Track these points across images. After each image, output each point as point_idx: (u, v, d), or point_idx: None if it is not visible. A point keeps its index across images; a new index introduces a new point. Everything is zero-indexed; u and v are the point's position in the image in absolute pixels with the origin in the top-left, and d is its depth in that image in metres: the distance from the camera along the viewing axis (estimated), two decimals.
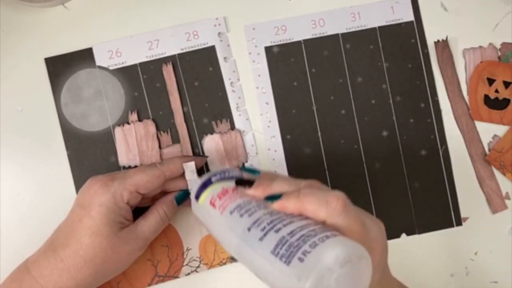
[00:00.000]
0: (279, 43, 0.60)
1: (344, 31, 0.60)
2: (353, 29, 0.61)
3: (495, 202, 0.60)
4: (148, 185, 0.51)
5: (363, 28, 0.61)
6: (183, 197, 0.55)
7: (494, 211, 0.60)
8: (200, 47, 0.59)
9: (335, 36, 0.60)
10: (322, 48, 0.60)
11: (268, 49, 0.60)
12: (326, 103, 0.59)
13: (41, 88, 0.58)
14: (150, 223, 0.52)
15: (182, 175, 0.54)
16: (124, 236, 0.50)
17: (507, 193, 0.61)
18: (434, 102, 0.61)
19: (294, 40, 0.60)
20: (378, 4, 0.61)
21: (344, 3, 0.61)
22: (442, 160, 0.60)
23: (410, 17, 0.61)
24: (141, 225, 0.52)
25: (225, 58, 0.59)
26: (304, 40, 0.60)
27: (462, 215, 0.60)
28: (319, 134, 0.59)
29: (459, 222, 0.60)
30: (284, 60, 0.59)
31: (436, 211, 0.59)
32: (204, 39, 0.59)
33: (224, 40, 0.60)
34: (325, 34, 0.60)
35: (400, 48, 0.61)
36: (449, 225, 0.60)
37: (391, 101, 0.60)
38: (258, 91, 0.59)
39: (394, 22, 0.61)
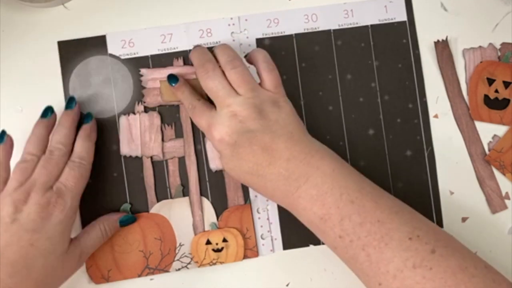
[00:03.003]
0: (271, 35, 0.60)
1: (336, 27, 0.60)
2: (345, 26, 0.60)
3: (495, 202, 0.60)
4: (83, 187, 0.54)
5: (355, 25, 0.60)
6: (127, 221, 0.57)
7: (494, 211, 0.60)
8: (212, 45, 0.60)
9: (327, 32, 0.60)
10: (313, 43, 0.60)
11: (259, 41, 0.60)
12: (314, 99, 0.60)
13: (49, 75, 0.60)
14: (91, 237, 0.54)
15: None
16: (71, 253, 0.52)
17: (507, 193, 0.60)
18: (422, 103, 0.60)
19: (286, 33, 0.60)
20: (371, 3, 0.61)
21: (338, 0, 0.61)
22: (427, 161, 0.60)
23: (403, 17, 0.61)
24: (84, 240, 0.54)
25: None
26: (295, 34, 0.60)
27: (462, 215, 0.60)
28: None
29: (440, 225, 0.59)
30: (274, 53, 0.59)
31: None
32: (217, 37, 0.60)
33: (236, 40, 0.60)
34: (317, 30, 0.60)
35: (391, 48, 0.60)
36: None
37: (379, 100, 0.60)
38: None
39: (387, 21, 0.61)
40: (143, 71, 0.59)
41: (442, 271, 0.45)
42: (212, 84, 0.52)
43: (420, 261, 0.45)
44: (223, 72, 0.53)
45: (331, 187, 0.49)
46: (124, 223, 0.57)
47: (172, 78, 0.57)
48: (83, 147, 0.55)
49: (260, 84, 0.54)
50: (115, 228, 0.57)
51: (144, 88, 0.59)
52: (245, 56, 0.58)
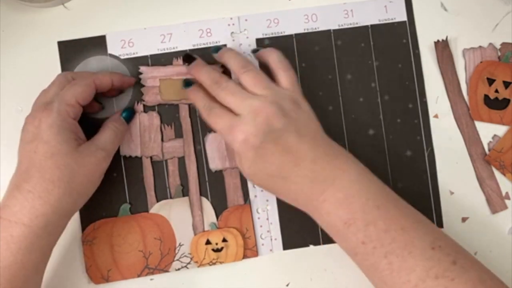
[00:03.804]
0: (271, 35, 0.60)
1: (336, 27, 0.60)
2: (345, 26, 0.61)
3: (495, 202, 0.60)
4: (84, 95, 0.52)
5: (355, 25, 0.61)
6: (130, 115, 0.58)
7: (494, 211, 0.60)
8: (212, 45, 0.60)
9: (327, 32, 0.60)
10: (313, 43, 0.60)
11: (259, 41, 0.60)
12: (314, 99, 0.59)
13: (49, 75, 0.58)
14: (106, 135, 0.54)
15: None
16: (85, 150, 0.51)
17: (507, 193, 0.60)
18: (422, 103, 0.60)
19: (286, 33, 0.60)
20: (371, 3, 0.61)
21: (338, 0, 0.61)
22: (427, 162, 0.60)
23: (403, 17, 0.61)
24: (98, 138, 0.53)
25: None
26: (295, 34, 0.60)
27: (462, 215, 0.60)
28: None
29: (440, 225, 0.59)
30: None
31: None
32: (217, 37, 0.60)
33: (236, 40, 0.61)
34: (317, 30, 0.60)
35: (391, 48, 0.60)
36: None
37: (379, 100, 0.60)
38: None
39: (387, 21, 0.61)
40: (142, 68, 0.59)
41: (463, 282, 0.44)
42: (228, 93, 0.52)
43: (443, 272, 0.45)
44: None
45: (358, 191, 0.48)
46: (128, 118, 0.58)
47: (187, 82, 0.57)
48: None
49: (276, 84, 0.53)
50: (124, 125, 0.57)
51: (143, 86, 0.59)
52: (253, 51, 0.58)
